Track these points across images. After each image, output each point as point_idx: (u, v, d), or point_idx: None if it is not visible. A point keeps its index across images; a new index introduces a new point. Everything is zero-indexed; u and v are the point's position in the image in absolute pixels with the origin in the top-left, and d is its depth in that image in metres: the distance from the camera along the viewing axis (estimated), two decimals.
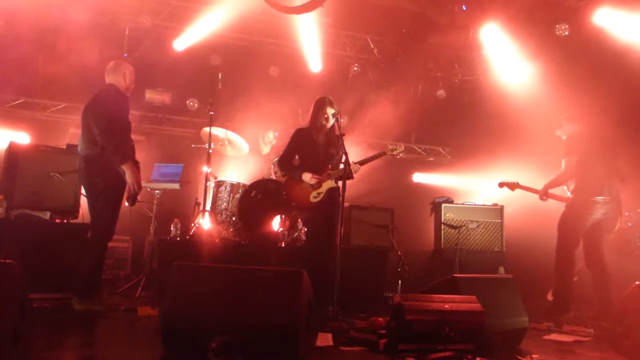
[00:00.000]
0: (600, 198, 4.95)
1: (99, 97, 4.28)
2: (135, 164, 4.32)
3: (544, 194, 5.21)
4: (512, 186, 5.61)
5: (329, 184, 4.56)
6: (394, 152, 4.78)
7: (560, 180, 5.11)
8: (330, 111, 4.54)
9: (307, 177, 4.51)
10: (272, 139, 6.92)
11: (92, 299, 4.08)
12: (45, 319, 3.74)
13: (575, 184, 5.02)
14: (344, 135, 4.42)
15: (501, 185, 5.76)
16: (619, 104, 6.28)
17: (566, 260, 4.99)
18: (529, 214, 6.22)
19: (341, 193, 4.23)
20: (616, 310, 3.55)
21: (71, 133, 7.24)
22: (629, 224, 6.60)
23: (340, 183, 4.38)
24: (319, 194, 4.54)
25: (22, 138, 6.98)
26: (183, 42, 7.66)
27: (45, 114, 7.68)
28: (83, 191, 4.42)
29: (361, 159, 4.64)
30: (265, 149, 6.93)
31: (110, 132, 4.09)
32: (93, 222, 4.24)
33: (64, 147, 5.09)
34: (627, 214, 6.60)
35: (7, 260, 2.35)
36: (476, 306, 2.89)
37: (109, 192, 4.19)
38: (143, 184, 5.61)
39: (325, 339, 3.35)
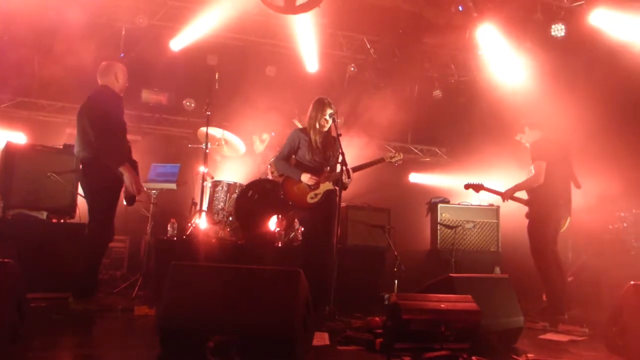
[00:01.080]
0: (560, 200, 5.15)
1: (93, 99, 4.26)
2: (133, 164, 4.32)
3: (508, 197, 5.27)
4: (477, 187, 5.61)
5: (326, 185, 4.56)
6: (393, 160, 4.71)
7: (531, 184, 5.16)
8: (328, 112, 4.54)
9: (305, 177, 4.52)
10: (266, 139, 6.91)
11: (89, 299, 4.08)
12: (42, 318, 3.73)
13: (544, 186, 5.09)
14: (340, 135, 4.42)
15: (467, 187, 5.72)
16: (614, 103, 6.33)
17: (547, 261, 5.03)
18: (524, 214, 6.24)
19: (338, 194, 4.24)
20: (611, 310, 3.57)
21: (67, 133, 7.24)
22: (625, 225, 6.64)
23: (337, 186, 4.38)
24: (316, 195, 4.55)
25: (19, 138, 6.98)
26: (179, 42, 7.66)
27: (41, 114, 7.68)
28: (80, 191, 4.42)
29: (358, 161, 4.62)
30: (260, 148, 6.94)
31: (105, 135, 4.08)
32: (90, 222, 4.24)
33: (61, 147, 5.10)
34: (622, 214, 6.65)
35: (5, 260, 2.35)
36: (472, 305, 2.92)
37: (105, 193, 4.19)
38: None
39: (322, 339, 3.36)
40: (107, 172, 4.12)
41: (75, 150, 4.31)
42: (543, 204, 5.12)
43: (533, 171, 5.14)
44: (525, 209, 5.32)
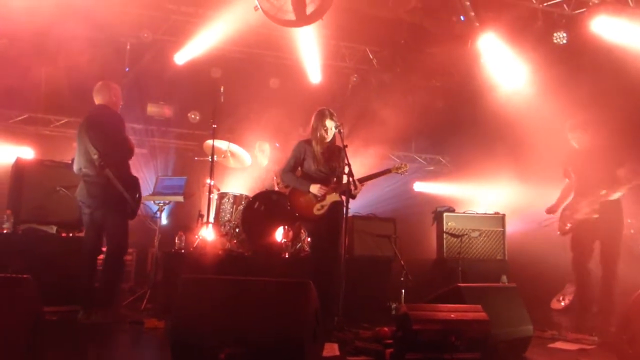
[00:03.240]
0: None
1: (94, 118, 4.38)
2: (133, 180, 4.43)
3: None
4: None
5: (333, 197, 4.58)
6: (399, 171, 4.74)
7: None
8: (330, 123, 4.56)
9: (315, 188, 4.54)
10: (266, 149, 6.94)
11: (107, 312, 4.15)
12: (53, 332, 3.76)
13: None
14: (346, 146, 4.45)
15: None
16: (618, 110, 6.34)
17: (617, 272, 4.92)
18: (530, 222, 6.25)
19: (345, 205, 4.26)
20: (620, 318, 3.56)
21: (75, 147, 7.28)
22: (632, 231, 6.63)
23: (344, 196, 4.40)
24: (322, 206, 4.57)
25: (27, 153, 7.04)
26: (184, 55, 7.73)
27: (48, 129, 7.75)
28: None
29: (363, 171, 4.64)
30: (264, 161, 6.97)
31: (107, 152, 4.22)
32: (109, 237, 4.36)
33: (69, 161, 5.14)
34: (629, 220, 6.64)
35: (24, 275, 2.38)
36: (481, 315, 2.92)
37: (114, 208, 4.26)
38: (148, 197, 5.69)
39: (331, 349, 3.37)
40: (111, 188, 4.20)
41: (75, 168, 4.38)
42: (619, 211, 4.87)
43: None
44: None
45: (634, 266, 6.11)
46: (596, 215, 4.75)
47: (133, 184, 4.46)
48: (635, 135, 6.16)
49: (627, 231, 6.63)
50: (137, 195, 4.49)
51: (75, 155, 4.43)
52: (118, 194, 4.26)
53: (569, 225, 4.98)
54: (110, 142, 4.27)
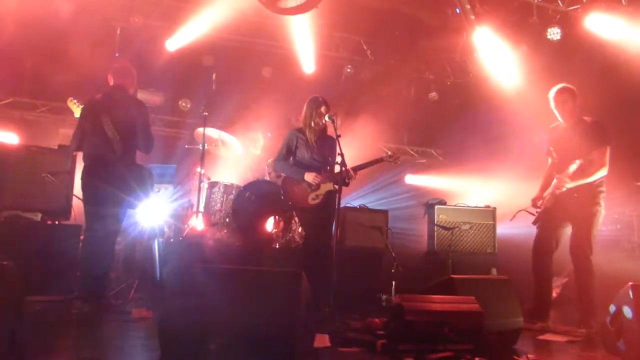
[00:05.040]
0: None
1: (137, 104, 4.43)
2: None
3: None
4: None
5: (327, 186, 4.53)
6: (392, 159, 4.72)
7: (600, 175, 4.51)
8: (323, 110, 4.52)
9: (309, 176, 4.49)
10: (261, 142, 6.87)
11: (101, 302, 4.08)
12: (39, 321, 3.68)
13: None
14: (339, 136, 4.40)
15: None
16: (609, 106, 6.37)
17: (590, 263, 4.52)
18: (521, 216, 6.27)
19: (338, 195, 4.22)
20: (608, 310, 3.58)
21: (61, 133, 7.17)
22: (618, 227, 6.70)
23: (337, 186, 4.36)
24: (317, 196, 4.52)
25: (11, 138, 6.89)
26: (175, 42, 7.62)
27: (34, 114, 7.59)
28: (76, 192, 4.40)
29: (356, 163, 4.59)
30: (257, 151, 6.90)
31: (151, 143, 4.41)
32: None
33: (56, 147, 5.04)
34: (616, 216, 6.70)
35: (4, 262, 2.31)
36: (475, 307, 2.91)
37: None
38: None
39: (322, 340, 3.34)
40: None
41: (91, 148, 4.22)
42: (596, 196, 4.43)
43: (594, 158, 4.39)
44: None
45: (621, 260, 6.18)
46: (564, 189, 4.38)
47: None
48: (624, 129, 6.20)
49: (614, 226, 6.72)
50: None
51: (85, 137, 4.25)
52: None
53: (540, 203, 4.59)
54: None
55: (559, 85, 4.75)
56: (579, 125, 4.62)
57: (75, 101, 4.57)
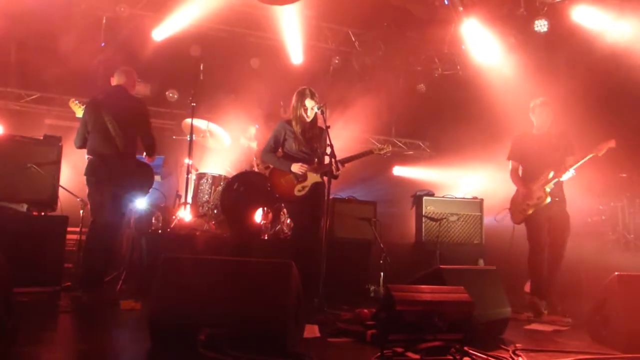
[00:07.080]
0: None
1: (138, 104, 4.54)
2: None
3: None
4: None
5: (314, 178, 4.53)
6: (382, 152, 4.74)
7: None
8: (310, 103, 4.50)
9: (296, 167, 4.49)
10: (253, 135, 6.84)
11: (98, 291, 4.12)
12: (25, 313, 3.63)
13: None
14: (329, 127, 4.39)
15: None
16: (594, 98, 6.44)
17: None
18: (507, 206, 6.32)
19: (326, 187, 4.22)
20: (594, 300, 3.65)
21: (47, 124, 7.06)
22: (603, 217, 6.80)
23: (325, 178, 4.36)
24: (303, 187, 4.52)
25: None
26: (162, 32, 7.52)
27: (19, 104, 7.46)
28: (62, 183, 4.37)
29: (343, 156, 4.58)
30: (246, 142, 6.86)
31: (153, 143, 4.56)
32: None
33: (41, 137, 4.96)
34: (600, 207, 6.80)
35: None
36: (464, 297, 2.94)
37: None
38: None
39: (312, 331, 3.35)
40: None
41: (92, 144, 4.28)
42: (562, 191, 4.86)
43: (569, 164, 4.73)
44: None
45: (607, 251, 6.28)
46: (549, 200, 4.71)
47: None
48: (609, 120, 6.28)
49: (599, 217, 6.82)
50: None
51: (86, 133, 4.33)
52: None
53: (526, 210, 4.85)
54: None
55: (541, 98, 5.05)
56: (551, 134, 4.93)
57: (76, 102, 4.82)
